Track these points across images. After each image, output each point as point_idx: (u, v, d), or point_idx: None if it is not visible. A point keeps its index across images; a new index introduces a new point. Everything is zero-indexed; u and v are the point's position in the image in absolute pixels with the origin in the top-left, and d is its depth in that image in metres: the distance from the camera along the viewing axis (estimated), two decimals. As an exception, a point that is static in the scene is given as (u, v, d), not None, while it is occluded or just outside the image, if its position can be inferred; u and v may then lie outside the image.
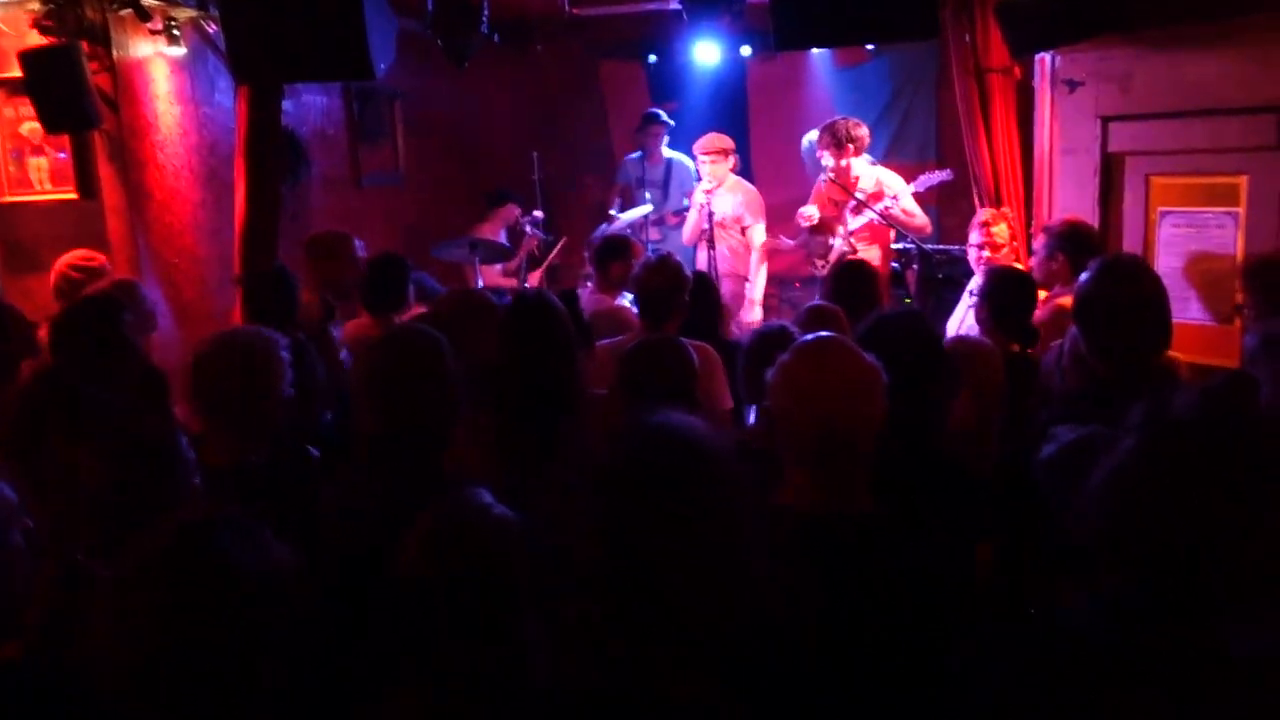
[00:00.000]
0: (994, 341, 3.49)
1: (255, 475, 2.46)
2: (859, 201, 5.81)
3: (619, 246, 4.98)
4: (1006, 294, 3.57)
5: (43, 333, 4.09)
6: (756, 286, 6.34)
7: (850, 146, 5.90)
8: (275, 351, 2.55)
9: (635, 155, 7.54)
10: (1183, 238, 5.09)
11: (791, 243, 6.50)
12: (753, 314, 6.30)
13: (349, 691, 2.03)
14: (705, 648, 1.34)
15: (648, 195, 7.22)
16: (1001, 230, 4.77)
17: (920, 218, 5.87)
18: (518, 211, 7.55)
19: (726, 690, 1.39)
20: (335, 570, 2.24)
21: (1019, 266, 4.59)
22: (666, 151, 7.40)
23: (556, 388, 2.86)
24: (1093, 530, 1.42)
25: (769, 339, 2.82)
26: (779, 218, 7.47)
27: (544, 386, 2.85)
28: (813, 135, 6.56)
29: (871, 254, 5.80)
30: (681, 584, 1.29)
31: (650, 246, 7.19)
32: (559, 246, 7.38)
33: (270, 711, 1.41)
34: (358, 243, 4.90)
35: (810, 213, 6.04)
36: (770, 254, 6.67)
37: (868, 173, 6.01)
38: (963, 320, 4.59)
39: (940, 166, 5.94)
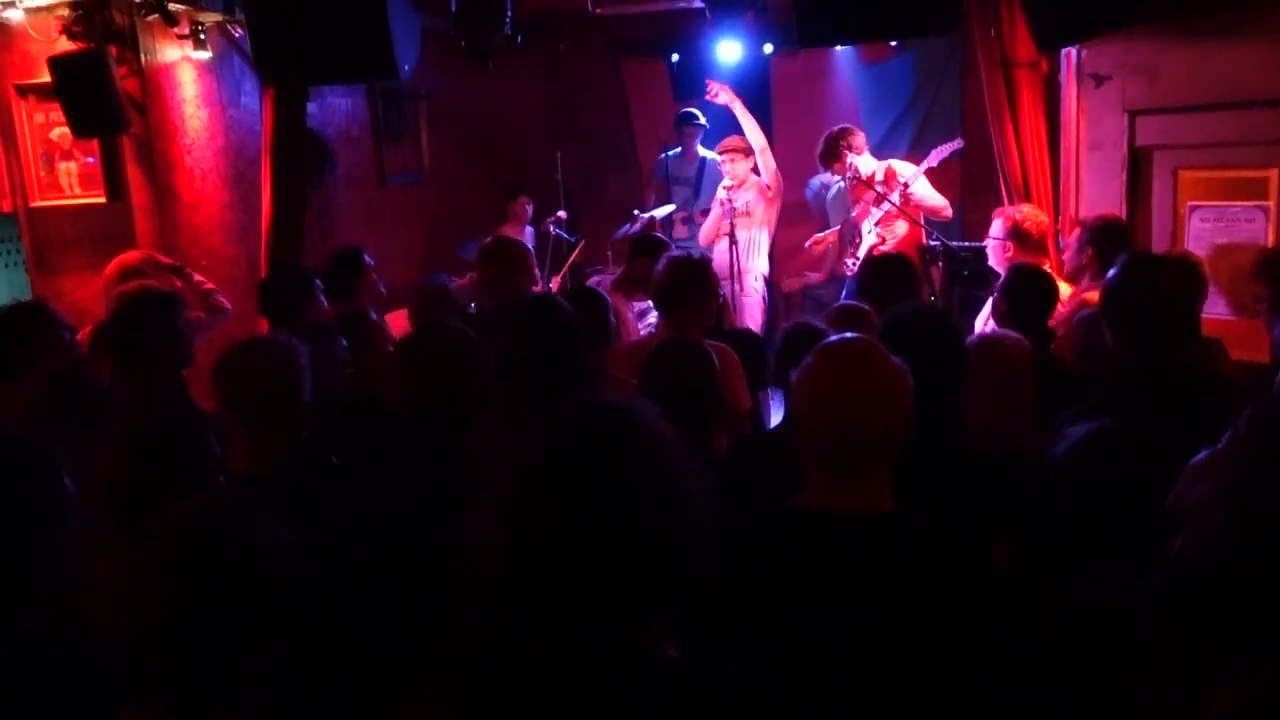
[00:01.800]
0: None
1: (277, 482, 2.48)
2: (878, 194, 5.91)
3: (648, 244, 4.98)
4: (1025, 290, 3.56)
5: (82, 334, 4.18)
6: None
7: (847, 153, 6.12)
8: (295, 358, 2.57)
9: (673, 153, 7.56)
10: (1212, 232, 5.04)
11: (817, 275, 6.61)
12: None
13: (391, 677, 2.06)
14: (660, 608, 1.36)
15: (676, 191, 7.27)
16: (994, 226, 4.69)
17: (935, 199, 5.97)
18: (530, 207, 7.57)
19: (697, 652, 1.42)
20: (364, 554, 2.27)
21: (1032, 263, 4.52)
22: (700, 150, 7.42)
23: (565, 380, 2.92)
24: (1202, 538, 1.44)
25: (798, 337, 2.81)
26: (801, 216, 7.48)
27: (553, 378, 2.90)
28: (817, 180, 6.67)
29: (900, 230, 5.98)
30: (629, 551, 1.31)
31: (678, 245, 7.22)
32: (579, 248, 7.41)
33: (274, 685, 1.46)
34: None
35: (818, 236, 6.35)
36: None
37: (877, 166, 6.18)
38: (989, 317, 4.57)
39: (962, 163, 6.00)
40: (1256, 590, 1.37)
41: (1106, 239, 4.09)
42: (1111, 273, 2.62)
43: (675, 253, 4.14)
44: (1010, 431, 2.77)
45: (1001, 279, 3.77)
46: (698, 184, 7.39)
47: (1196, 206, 5.11)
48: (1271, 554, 1.37)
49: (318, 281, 4.34)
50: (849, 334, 2.07)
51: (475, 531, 1.78)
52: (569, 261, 7.29)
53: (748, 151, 6.42)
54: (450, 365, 2.46)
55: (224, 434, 2.57)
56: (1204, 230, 5.07)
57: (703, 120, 7.39)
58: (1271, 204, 4.83)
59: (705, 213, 7.22)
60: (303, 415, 2.57)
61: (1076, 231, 4.36)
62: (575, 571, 1.30)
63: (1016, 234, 4.49)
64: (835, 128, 6.33)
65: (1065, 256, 4.40)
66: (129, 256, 4.72)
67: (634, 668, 1.31)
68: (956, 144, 6.01)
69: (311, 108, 5.83)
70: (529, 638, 1.34)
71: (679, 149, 7.53)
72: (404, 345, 2.60)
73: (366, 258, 4.59)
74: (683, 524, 1.34)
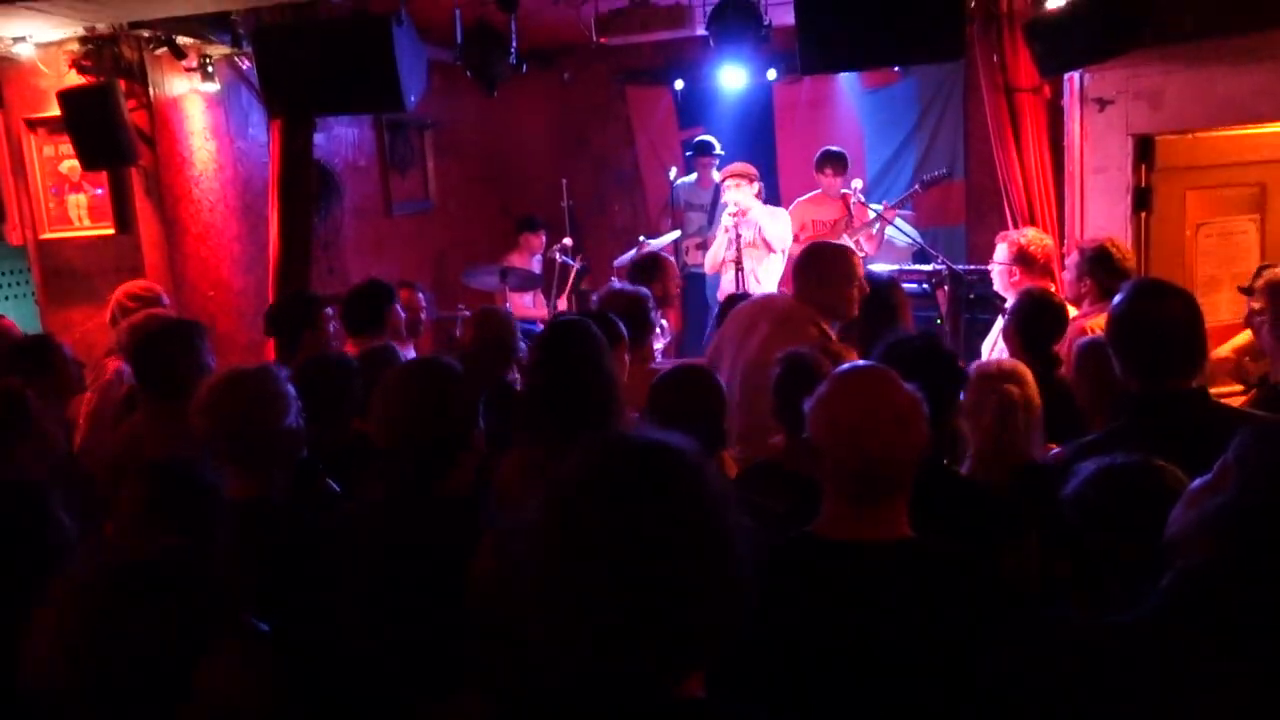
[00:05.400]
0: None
1: (273, 510, 2.50)
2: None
3: (648, 267, 4.96)
4: (1032, 315, 3.60)
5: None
6: None
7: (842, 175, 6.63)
8: (274, 385, 2.58)
9: (687, 180, 7.59)
10: (1216, 248, 5.22)
11: None
12: None
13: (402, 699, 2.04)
14: (697, 654, 1.30)
15: (691, 218, 7.32)
16: (998, 251, 4.68)
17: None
18: (544, 238, 7.60)
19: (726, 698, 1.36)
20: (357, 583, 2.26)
21: (1041, 288, 4.54)
22: (716, 176, 7.45)
23: (592, 409, 2.89)
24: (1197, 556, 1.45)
25: (794, 368, 2.80)
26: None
27: (579, 409, 2.88)
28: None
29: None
30: (664, 593, 1.25)
31: (692, 270, 7.25)
32: (574, 271, 7.43)
33: None
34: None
35: None
36: None
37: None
38: (996, 341, 4.56)
39: (967, 186, 6.06)
40: (1242, 611, 1.38)
41: (1103, 266, 4.09)
42: (1117, 300, 2.61)
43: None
44: (1011, 457, 2.76)
45: (1012, 304, 3.77)
46: (712, 210, 7.41)
47: (1203, 224, 5.21)
48: (1257, 577, 1.38)
49: (328, 311, 4.33)
50: (860, 361, 2.07)
51: (491, 562, 1.76)
52: (568, 288, 7.31)
53: (751, 177, 6.43)
54: (432, 401, 2.38)
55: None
56: (1210, 246, 5.22)
57: (719, 149, 7.43)
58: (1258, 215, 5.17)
59: None
60: (288, 441, 2.57)
61: (1074, 256, 4.35)
62: (608, 607, 1.24)
63: (1022, 258, 4.49)
64: (840, 149, 6.71)
65: (1065, 279, 4.41)
66: (130, 286, 4.77)
67: (660, 710, 1.28)
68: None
69: (318, 138, 5.88)
70: (554, 672, 1.30)
71: (693, 175, 7.57)
72: (387, 380, 2.52)
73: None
74: (724, 565, 1.28)
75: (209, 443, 2.54)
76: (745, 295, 5.17)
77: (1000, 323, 4.64)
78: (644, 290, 4.22)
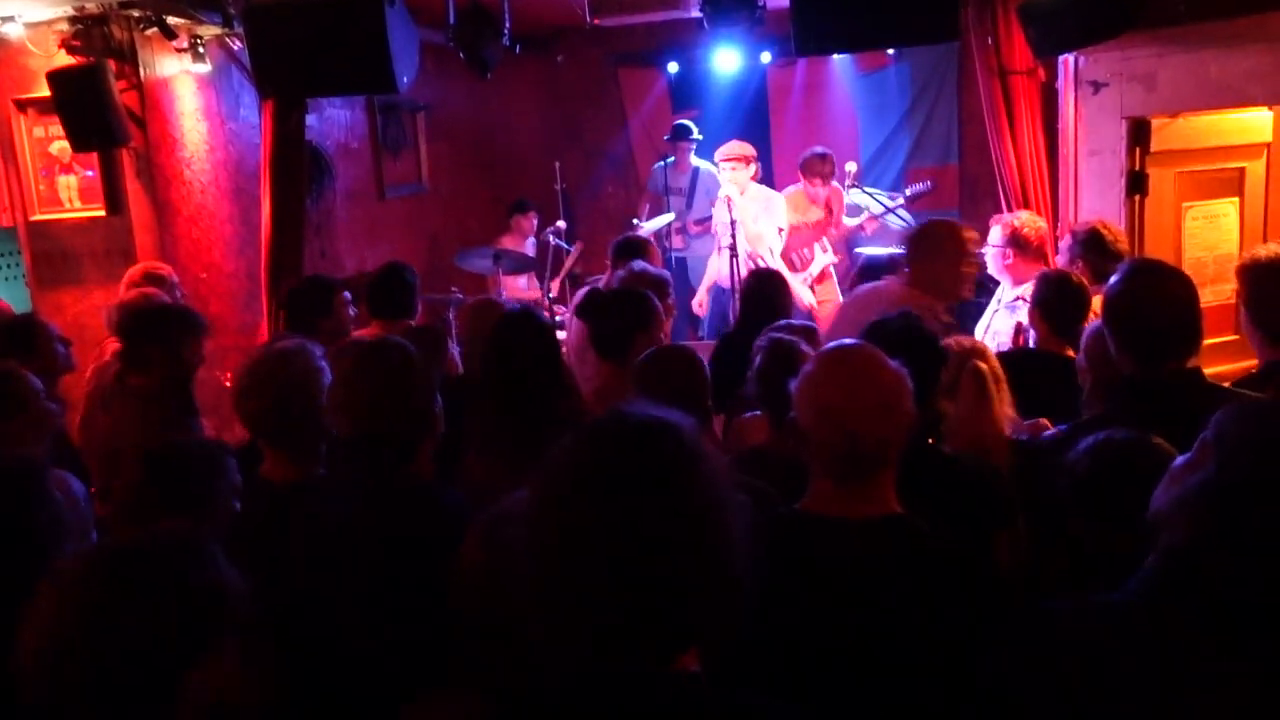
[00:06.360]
0: (1049, 346, 3.51)
1: (315, 491, 2.46)
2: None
3: (636, 246, 4.94)
4: (1052, 296, 3.57)
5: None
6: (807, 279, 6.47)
7: (829, 179, 6.67)
8: (314, 363, 2.54)
9: (664, 163, 7.57)
10: (1203, 230, 5.32)
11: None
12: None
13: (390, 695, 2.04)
14: (692, 638, 1.29)
15: (670, 201, 7.29)
16: (992, 234, 4.68)
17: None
18: (535, 220, 7.58)
19: (721, 682, 1.34)
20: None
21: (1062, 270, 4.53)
22: (694, 160, 7.43)
23: (546, 399, 2.90)
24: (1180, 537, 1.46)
25: (777, 353, 2.80)
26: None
27: (535, 399, 2.88)
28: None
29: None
30: (663, 577, 1.23)
31: (673, 254, 7.22)
32: (575, 254, 7.41)
33: None
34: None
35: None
36: None
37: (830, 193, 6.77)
38: (988, 325, 4.56)
39: (961, 170, 6.07)
40: (1226, 592, 1.39)
41: (1096, 249, 4.10)
42: (1113, 280, 2.61)
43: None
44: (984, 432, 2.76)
45: (1032, 290, 3.76)
46: (691, 194, 7.40)
47: (1190, 205, 5.27)
48: (1239, 554, 1.39)
49: (346, 295, 4.28)
50: (847, 341, 2.07)
51: (481, 554, 1.74)
52: (566, 268, 7.29)
53: (748, 159, 6.41)
54: (397, 386, 2.33)
55: (242, 450, 2.57)
56: (1196, 229, 5.29)
57: (697, 134, 7.41)
58: (1239, 198, 5.31)
59: (699, 222, 7.25)
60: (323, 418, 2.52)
61: (1066, 239, 4.36)
62: (608, 606, 1.23)
63: (1016, 241, 4.49)
64: (826, 150, 6.73)
65: (1058, 263, 4.41)
66: (135, 270, 4.75)
67: (656, 687, 1.27)
68: (926, 186, 6.64)
69: (310, 120, 5.84)
70: (553, 670, 1.29)
71: (673, 159, 7.55)
72: (344, 364, 2.46)
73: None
74: (725, 556, 1.26)
75: (251, 425, 2.50)
76: (770, 271, 5.17)
77: (993, 305, 4.65)
78: (665, 274, 4.21)
